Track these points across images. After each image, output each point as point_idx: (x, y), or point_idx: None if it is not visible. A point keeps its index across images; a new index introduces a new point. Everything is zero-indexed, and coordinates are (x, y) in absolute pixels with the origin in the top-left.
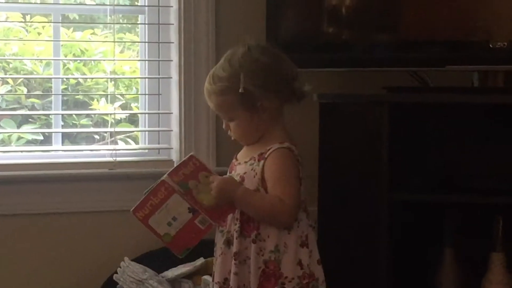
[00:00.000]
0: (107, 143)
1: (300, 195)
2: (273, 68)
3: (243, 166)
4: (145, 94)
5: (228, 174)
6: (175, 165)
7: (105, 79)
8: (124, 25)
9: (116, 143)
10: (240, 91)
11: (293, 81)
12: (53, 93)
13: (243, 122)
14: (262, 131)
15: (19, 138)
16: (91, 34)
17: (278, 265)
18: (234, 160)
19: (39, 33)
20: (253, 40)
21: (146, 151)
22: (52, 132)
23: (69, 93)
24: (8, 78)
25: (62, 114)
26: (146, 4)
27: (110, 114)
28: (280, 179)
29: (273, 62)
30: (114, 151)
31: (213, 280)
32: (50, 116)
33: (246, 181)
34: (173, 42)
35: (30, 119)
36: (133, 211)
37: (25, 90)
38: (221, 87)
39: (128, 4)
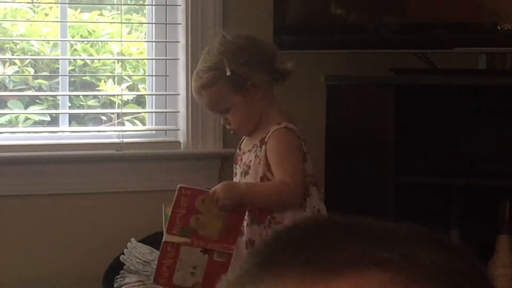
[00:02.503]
0: (114, 124)
1: (303, 171)
2: (251, 46)
3: (247, 155)
4: (152, 76)
5: (234, 166)
6: (182, 147)
7: (112, 60)
8: (132, 6)
9: (123, 124)
10: (227, 74)
11: (274, 59)
12: (60, 74)
13: (239, 108)
14: (259, 115)
15: (26, 119)
16: (98, 15)
17: None
18: (238, 151)
19: (46, 14)
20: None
21: (153, 132)
22: (59, 113)
23: (76, 74)
24: (15, 59)
25: (69, 95)
26: None
27: (117, 95)
28: (281, 159)
29: (250, 42)
30: (121, 132)
31: None
32: (57, 97)
33: (252, 169)
34: (180, 23)
35: (37, 100)
36: (154, 281)
37: (32, 71)
38: (209, 77)
39: None
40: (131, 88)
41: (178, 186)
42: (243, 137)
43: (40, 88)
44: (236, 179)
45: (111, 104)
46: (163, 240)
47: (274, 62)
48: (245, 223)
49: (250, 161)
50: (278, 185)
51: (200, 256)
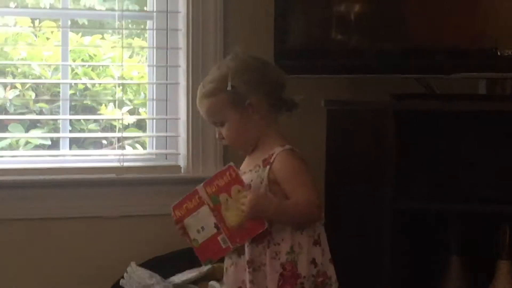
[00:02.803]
0: (114, 148)
1: (317, 188)
2: (260, 68)
3: (248, 175)
4: (153, 100)
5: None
6: (182, 171)
7: (113, 84)
8: (133, 30)
9: (124, 148)
10: (227, 88)
11: (282, 88)
12: (61, 98)
13: (233, 124)
14: (255, 136)
15: (27, 142)
16: (99, 39)
17: (296, 266)
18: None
19: (47, 38)
20: (241, 50)
21: (154, 156)
22: (60, 137)
23: (77, 98)
24: (16, 82)
25: (70, 119)
26: (155, 10)
27: (118, 119)
28: (296, 180)
29: (260, 65)
30: (121, 156)
31: None
32: (58, 121)
33: (252, 189)
34: (181, 48)
35: (38, 124)
36: (173, 207)
37: (33, 95)
38: (211, 88)
39: (136, 9)
40: (131, 112)
41: (230, 164)
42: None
43: (41, 112)
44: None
45: (112, 128)
46: (199, 187)
47: (281, 91)
48: (246, 244)
49: (251, 180)
50: (303, 203)
51: (212, 225)
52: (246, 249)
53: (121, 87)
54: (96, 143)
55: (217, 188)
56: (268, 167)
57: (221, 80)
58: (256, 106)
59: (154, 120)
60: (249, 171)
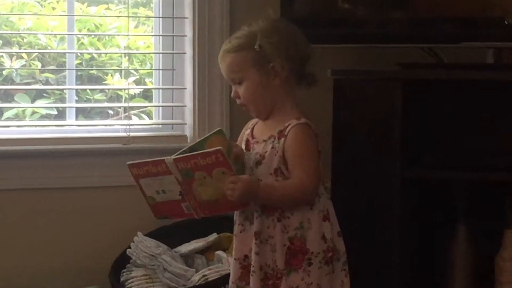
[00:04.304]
0: (121, 118)
1: (320, 170)
2: (290, 34)
3: (262, 144)
4: (159, 69)
5: (244, 146)
6: (188, 141)
7: (119, 54)
8: (139, 0)
9: (130, 118)
10: (255, 47)
11: (307, 59)
12: (67, 67)
13: (253, 84)
14: (272, 101)
15: (33, 112)
16: (105, 9)
17: (304, 241)
18: (250, 138)
19: (53, 8)
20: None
21: (160, 126)
22: (66, 107)
23: (83, 68)
24: (22, 52)
25: (76, 89)
26: None
27: (124, 89)
28: (301, 157)
29: (290, 31)
30: (128, 126)
31: (233, 256)
32: (64, 91)
33: (267, 159)
34: (187, 17)
35: (44, 94)
36: (129, 165)
37: (39, 65)
38: (237, 43)
39: None
40: (138, 82)
41: (218, 148)
42: (253, 124)
43: (47, 82)
44: (247, 166)
45: (118, 98)
46: (168, 160)
47: (306, 62)
48: (255, 214)
49: (266, 151)
50: (294, 184)
51: (176, 192)
52: (256, 221)
53: (127, 57)
54: (102, 113)
55: (194, 165)
56: (283, 139)
57: (249, 37)
58: (279, 70)
59: (160, 90)
60: (264, 141)
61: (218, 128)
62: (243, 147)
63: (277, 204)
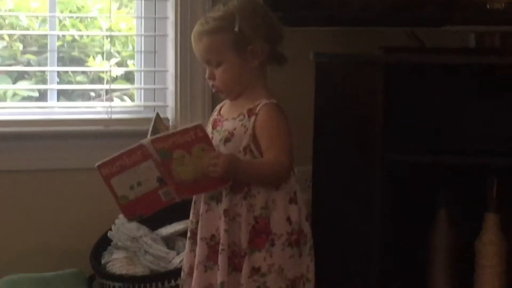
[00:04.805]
0: (102, 100)
1: (292, 149)
2: (267, 15)
3: (231, 122)
4: (141, 52)
5: (211, 129)
6: (170, 124)
7: (101, 36)
8: None
9: (112, 100)
10: (235, 29)
11: (280, 40)
12: (48, 49)
13: (231, 66)
14: (247, 82)
15: (14, 94)
16: None
17: (268, 222)
18: (217, 115)
19: None
20: None
21: (142, 108)
22: (47, 89)
23: (65, 50)
24: (3, 34)
25: (58, 71)
26: None
27: (106, 71)
28: (274, 135)
29: (266, 14)
30: (109, 108)
31: (198, 236)
32: (46, 73)
33: (235, 137)
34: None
35: (25, 76)
36: (98, 166)
37: (20, 46)
38: (215, 25)
39: None
40: (120, 64)
41: (198, 123)
42: (220, 106)
43: (28, 63)
44: (215, 144)
45: (100, 80)
46: (142, 142)
47: (279, 43)
48: (224, 193)
49: (235, 128)
50: (272, 162)
51: (153, 179)
52: (224, 198)
53: (109, 39)
54: (84, 95)
55: (173, 144)
56: (253, 117)
57: (228, 20)
58: (258, 52)
59: (142, 72)
60: (232, 118)
61: (156, 112)
62: (210, 127)
63: (257, 181)
